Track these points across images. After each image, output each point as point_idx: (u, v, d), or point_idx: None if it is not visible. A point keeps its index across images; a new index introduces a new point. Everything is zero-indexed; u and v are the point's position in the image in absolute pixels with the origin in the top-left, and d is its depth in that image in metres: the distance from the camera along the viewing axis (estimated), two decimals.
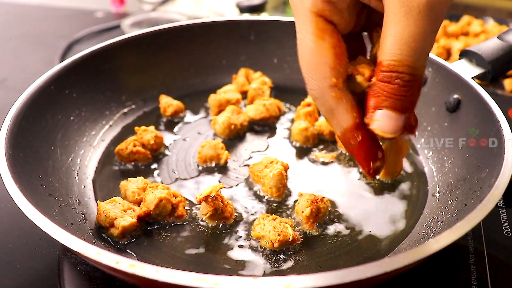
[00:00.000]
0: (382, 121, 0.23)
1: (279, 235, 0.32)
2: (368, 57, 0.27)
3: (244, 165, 0.43)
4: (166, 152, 0.44)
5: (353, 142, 0.24)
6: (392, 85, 0.22)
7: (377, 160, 0.25)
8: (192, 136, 0.47)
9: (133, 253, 0.33)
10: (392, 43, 0.22)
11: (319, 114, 0.49)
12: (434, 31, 0.22)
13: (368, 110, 0.24)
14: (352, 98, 0.24)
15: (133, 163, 0.42)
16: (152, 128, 0.44)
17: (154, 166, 0.42)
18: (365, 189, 0.40)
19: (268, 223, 0.33)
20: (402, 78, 0.22)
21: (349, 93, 0.24)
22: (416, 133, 0.46)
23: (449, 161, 0.40)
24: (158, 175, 0.41)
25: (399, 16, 0.21)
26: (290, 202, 0.38)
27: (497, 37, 0.43)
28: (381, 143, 0.27)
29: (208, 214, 0.34)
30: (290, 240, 0.32)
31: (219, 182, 0.40)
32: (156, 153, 0.44)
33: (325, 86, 0.24)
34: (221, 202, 0.35)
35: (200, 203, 0.35)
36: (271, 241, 0.32)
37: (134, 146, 0.42)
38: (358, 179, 0.40)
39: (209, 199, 0.34)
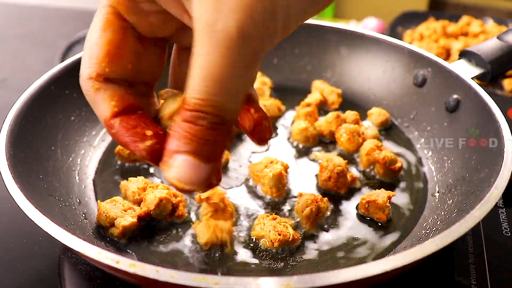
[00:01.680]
0: (181, 168, 0.19)
1: (279, 234, 0.32)
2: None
3: (244, 165, 0.43)
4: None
5: (113, 131, 0.22)
6: (196, 127, 0.19)
7: (146, 139, 0.21)
8: None
9: (133, 253, 0.33)
10: (199, 78, 0.18)
11: (319, 114, 0.49)
12: (250, 67, 0.19)
13: (165, 154, 0.20)
14: (116, 90, 0.23)
15: (133, 163, 0.42)
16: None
17: (154, 166, 0.42)
18: (365, 189, 0.40)
19: (268, 222, 0.33)
20: (208, 120, 0.18)
21: (111, 86, 0.23)
22: (416, 133, 0.46)
23: (449, 161, 0.40)
24: (159, 175, 0.41)
25: (207, 47, 0.18)
26: (290, 202, 0.38)
27: (497, 38, 0.44)
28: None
29: (208, 215, 0.34)
30: (290, 239, 0.32)
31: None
32: None
33: (85, 75, 0.22)
34: (221, 203, 0.35)
35: (200, 203, 0.35)
36: (271, 241, 0.32)
37: None
38: (358, 178, 0.40)
39: (210, 200, 0.34)
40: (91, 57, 0.22)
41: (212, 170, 0.20)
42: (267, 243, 0.33)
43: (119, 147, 0.42)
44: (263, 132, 0.24)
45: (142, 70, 0.24)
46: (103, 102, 0.23)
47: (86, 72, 0.23)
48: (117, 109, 0.22)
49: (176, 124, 0.19)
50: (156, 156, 0.21)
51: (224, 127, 0.19)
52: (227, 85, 0.18)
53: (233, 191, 0.39)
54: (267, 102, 0.48)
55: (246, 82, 0.19)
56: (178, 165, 0.19)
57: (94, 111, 0.23)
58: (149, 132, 0.22)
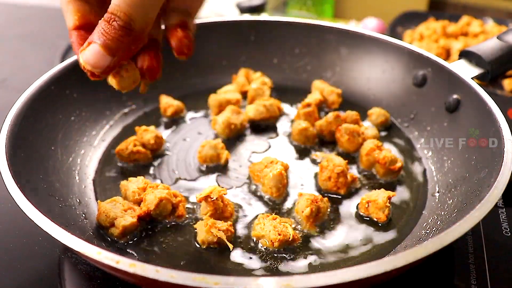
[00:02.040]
0: (90, 53, 0.26)
1: (279, 234, 0.32)
2: None
3: (244, 165, 0.43)
4: (167, 152, 0.44)
5: (72, 39, 0.29)
6: (109, 25, 0.26)
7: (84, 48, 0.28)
8: (192, 136, 0.47)
9: (133, 253, 0.33)
10: None
11: (319, 114, 0.49)
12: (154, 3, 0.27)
13: (83, 42, 0.27)
14: (83, 6, 0.29)
15: (133, 163, 0.42)
16: (152, 128, 0.44)
17: (154, 166, 0.42)
18: (364, 189, 0.40)
19: (268, 222, 0.33)
20: (118, 22, 0.26)
21: (81, 2, 0.29)
22: (416, 133, 0.46)
23: (449, 161, 0.40)
24: (159, 175, 0.41)
25: None
26: (290, 202, 0.38)
27: (497, 37, 0.44)
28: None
29: (208, 214, 0.34)
30: (290, 239, 0.32)
31: (217, 182, 0.40)
32: (157, 153, 0.44)
33: None
34: (221, 202, 0.35)
35: (200, 202, 0.35)
36: (271, 241, 0.32)
37: (135, 146, 0.42)
38: (358, 178, 0.40)
39: (209, 199, 0.34)
40: None
41: (112, 64, 0.27)
42: (267, 243, 0.33)
43: (119, 147, 0.42)
44: (181, 46, 0.32)
45: None
46: (69, 15, 0.29)
47: None
48: (78, 23, 0.29)
49: (99, 23, 0.27)
50: (94, 74, 0.28)
51: (130, 32, 0.26)
52: (137, 1, 0.26)
53: (233, 191, 0.39)
54: (267, 102, 0.48)
55: (153, 4, 0.27)
56: (89, 50, 0.27)
57: (64, 17, 0.30)
58: (87, 44, 0.28)
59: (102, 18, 0.27)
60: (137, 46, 0.28)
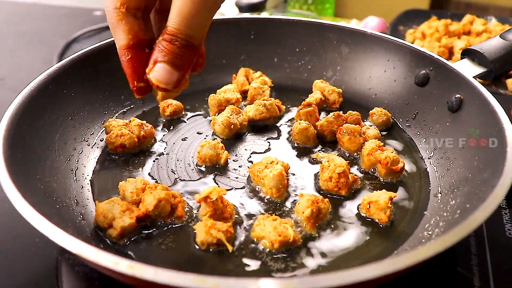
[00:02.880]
0: (159, 72, 0.29)
1: (279, 235, 0.32)
2: None
3: (244, 165, 0.42)
4: (166, 152, 0.44)
5: (124, 58, 0.30)
6: (172, 45, 0.28)
7: (141, 81, 0.30)
8: (192, 136, 0.47)
9: (132, 254, 0.33)
10: (175, 15, 0.28)
11: (320, 114, 0.48)
12: (209, 10, 0.29)
13: (150, 62, 0.29)
14: (135, 24, 0.30)
15: (122, 150, 0.42)
16: (143, 121, 0.44)
17: (153, 166, 0.42)
18: (366, 190, 0.39)
19: (269, 223, 0.33)
20: (180, 42, 0.28)
21: (132, 19, 0.30)
22: (418, 132, 0.46)
23: (451, 162, 0.40)
24: (157, 175, 0.41)
25: None
26: (290, 202, 0.38)
27: (500, 36, 0.43)
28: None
29: (207, 215, 0.34)
30: (290, 241, 0.32)
31: (216, 183, 0.40)
32: (147, 143, 0.44)
33: (111, 6, 0.29)
34: (220, 203, 0.34)
35: (199, 203, 0.35)
36: (271, 242, 0.32)
37: (120, 130, 0.42)
38: (359, 179, 0.40)
39: (208, 200, 0.34)
40: None
41: (181, 77, 0.29)
42: (267, 244, 0.32)
43: (108, 135, 0.42)
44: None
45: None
46: (122, 33, 0.30)
47: (112, 3, 0.29)
48: (132, 42, 0.30)
49: (158, 42, 0.29)
50: (140, 94, 0.31)
51: (191, 48, 0.29)
52: (193, 20, 0.28)
53: (233, 191, 0.39)
54: (267, 102, 0.48)
55: (208, 18, 0.29)
56: (157, 69, 0.29)
57: (113, 37, 0.30)
58: (145, 77, 0.30)
59: (162, 38, 0.28)
60: (197, 56, 0.31)
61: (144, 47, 0.30)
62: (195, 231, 0.34)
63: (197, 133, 0.47)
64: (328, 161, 0.39)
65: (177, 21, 0.28)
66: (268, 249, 0.33)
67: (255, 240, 0.33)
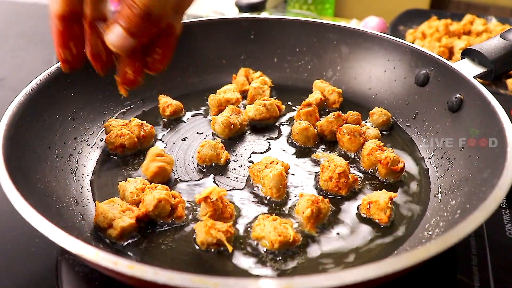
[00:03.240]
0: (114, 36, 0.29)
1: (279, 235, 0.32)
2: None
3: (244, 165, 0.42)
4: (165, 151, 0.44)
5: (54, 27, 0.30)
6: (130, 11, 0.28)
7: (68, 49, 0.31)
8: (192, 136, 0.47)
9: (131, 254, 0.33)
10: None
11: (320, 114, 0.48)
12: None
13: (110, 21, 0.30)
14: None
15: (122, 150, 0.42)
16: (143, 121, 0.44)
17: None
18: (366, 189, 0.39)
19: (269, 223, 0.33)
20: (137, 10, 0.28)
21: None
22: (418, 132, 0.46)
23: (452, 162, 0.40)
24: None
25: None
26: (290, 203, 0.37)
27: (500, 36, 0.43)
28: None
29: (207, 215, 0.34)
30: (290, 241, 0.32)
31: (216, 183, 0.40)
32: (147, 143, 0.44)
33: None
34: (220, 203, 0.34)
35: (199, 203, 0.35)
36: (271, 242, 0.32)
37: (120, 130, 0.42)
38: (360, 179, 0.40)
39: (209, 200, 0.34)
40: None
41: (134, 45, 0.30)
42: (267, 244, 0.32)
43: (108, 135, 0.42)
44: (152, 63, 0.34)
45: None
46: (57, 1, 0.30)
47: None
48: (66, 11, 0.30)
49: (121, 6, 0.29)
50: (69, 64, 0.32)
51: (148, 19, 0.29)
52: None
53: (233, 191, 0.39)
54: (267, 102, 0.48)
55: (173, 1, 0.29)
56: (113, 33, 0.29)
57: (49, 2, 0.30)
58: (72, 46, 0.31)
59: (123, 2, 0.28)
60: (156, 30, 0.30)
61: (76, 20, 0.30)
62: (195, 231, 0.34)
63: (197, 133, 0.47)
64: (328, 161, 0.39)
65: None
66: (268, 249, 0.33)
67: (255, 240, 0.33)
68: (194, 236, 0.34)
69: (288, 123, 0.49)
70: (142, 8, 0.28)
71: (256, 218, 0.35)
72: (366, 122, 0.48)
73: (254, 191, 0.39)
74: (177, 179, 0.40)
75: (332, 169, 0.38)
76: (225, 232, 0.32)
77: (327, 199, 0.36)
